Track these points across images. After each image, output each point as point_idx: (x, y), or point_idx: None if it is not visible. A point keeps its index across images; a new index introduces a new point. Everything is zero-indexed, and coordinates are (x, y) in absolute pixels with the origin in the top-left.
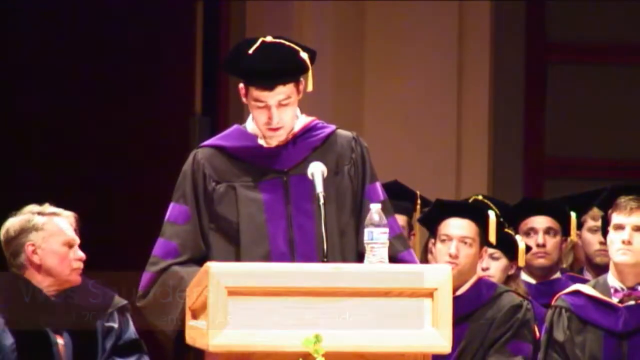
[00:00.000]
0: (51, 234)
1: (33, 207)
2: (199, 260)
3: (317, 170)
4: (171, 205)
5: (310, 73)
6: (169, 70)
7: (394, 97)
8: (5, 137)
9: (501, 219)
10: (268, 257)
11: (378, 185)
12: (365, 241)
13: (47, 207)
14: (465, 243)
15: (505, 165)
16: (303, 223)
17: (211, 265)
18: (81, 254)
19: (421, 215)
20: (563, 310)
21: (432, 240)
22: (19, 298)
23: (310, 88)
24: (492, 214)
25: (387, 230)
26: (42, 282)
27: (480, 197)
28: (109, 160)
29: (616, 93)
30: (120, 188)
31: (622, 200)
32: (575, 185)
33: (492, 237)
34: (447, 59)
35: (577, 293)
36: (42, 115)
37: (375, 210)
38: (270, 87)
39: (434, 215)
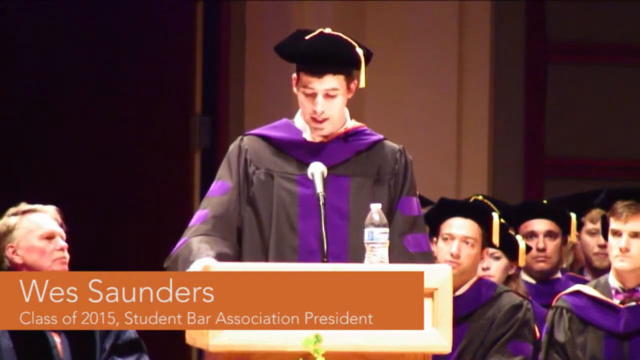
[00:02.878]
0: (27, 231)
1: (9, 210)
2: (232, 231)
3: (317, 171)
4: (214, 183)
5: (363, 70)
6: (169, 70)
7: (394, 97)
8: (3, 137)
9: (502, 220)
10: (296, 252)
11: (415, 200)
12: (365, 241)
13: (22, 206)
14: (467, 243)
15: (505, 165)
16: (338, 223)
17: (211, 266)
18: (62, 244)
19: (424, 213)
20: (564, 311)
21: (434, 239)
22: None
23: (362, 84)
24: (495, 216)
25: (387, 230)
26: None
27: (480, 197)
28: (109, 160)
29: (616, 93)
30: (120, 188)
31: (619, 206)
32: (575, 185)
33: (496, 239)
34: (447, 59)
35: (578, 294)
36: (41, 115)
37: (375, 210)
38: (319, 74)
39: (437, 214)
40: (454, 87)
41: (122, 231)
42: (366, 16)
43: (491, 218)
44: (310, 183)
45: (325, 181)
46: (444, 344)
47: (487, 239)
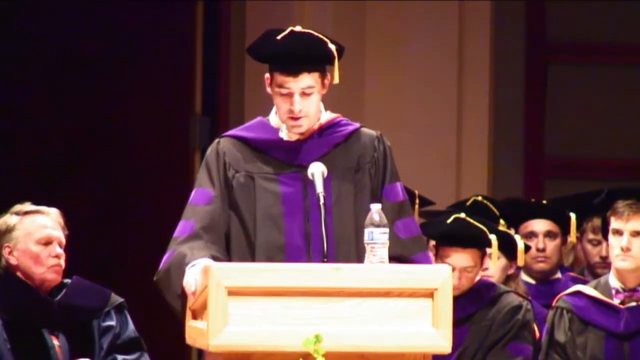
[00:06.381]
0: (25, 233)
1: (14, 208)
2: (221, 239)
3: (317, 171)
4: (194, 190)
5: (336, 66)
6: (169, 70)
7: (394, 97)
8: (4, 136)
9: (502, 224)
10: (282, 250)
11: (398, 185)
12: (365, 241)
13: (26, 206)
14: (467, 271)
15: (505, 165)
16: (320, 217)
17: (211, 265)
18: (58, 251)
19: (423, 231)
20: (564, 311)
21: (433, 242)
22: (16, 299)
23: (336, 80)
24: (494, 240)
25: (387, 230)
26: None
27: (479, 198)
28: (108, 160)
29: (616, 93)
30: (120, 187)
31: (620, 205)
32: (575, 185)
33: (494, 263)
34: (447, 59)
35: (578, 294)
36: (41, 116)
37: (375, 210)
38: (294, 73)
39: (436, 244)
40: (454, 87)
41: (122, 231)
42: (366, 16)
43: (490, 242)
44: (291, 181)
45: (306, 177)
46: (444, 344)
47: (485, 255)
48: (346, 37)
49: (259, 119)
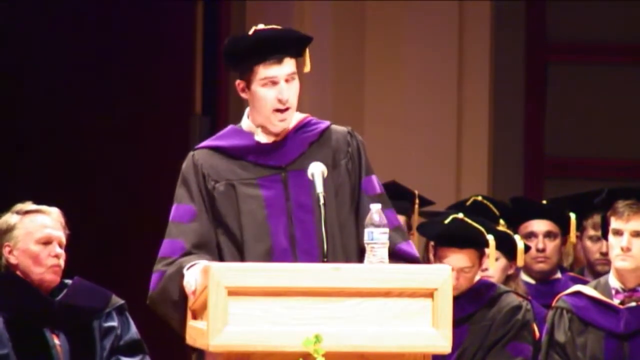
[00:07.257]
0: (25, 233)
1: (15, 207)
2: (212, 254)
3: (317, 171)
4: (174, 206)
5: (307, 54)
6: (169, 70)
7: (394, 97)
8: (3, 137)
9: (503, 224)
10: (270, 253)
11: (374, 178)
12: (365, 241)
13: (27, 205)
14: (465, 271)
15: (505, 165)
16: (303, 218)
17: (211, 265)
18: (58, 251)
19: (421, 231)
20: (564, 312)
21: (431, 249)
22: (17, 298)
23: (308, 68)
24: (492, 240)
25: (387, 230)
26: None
27: (479, 198)
28: (109, 160)
29: (616, 93)
30: (120, 188)
31: (620, 205)
32: (575, 185)
33: (492, 264)
34: (447, 59)
35: (578, 294)
36: (41, 116)
37: (375, 210)
38: (278, 58)
39: (434, 245)
40: (454, 87)
41: (122, 231)
42: (366, 16)
43: (487, 242)
44: (272, 184)
45: (285, 179)
46: (444, 344)
47: (484, 255)
48: (346, 37)
49: (230, 127)
